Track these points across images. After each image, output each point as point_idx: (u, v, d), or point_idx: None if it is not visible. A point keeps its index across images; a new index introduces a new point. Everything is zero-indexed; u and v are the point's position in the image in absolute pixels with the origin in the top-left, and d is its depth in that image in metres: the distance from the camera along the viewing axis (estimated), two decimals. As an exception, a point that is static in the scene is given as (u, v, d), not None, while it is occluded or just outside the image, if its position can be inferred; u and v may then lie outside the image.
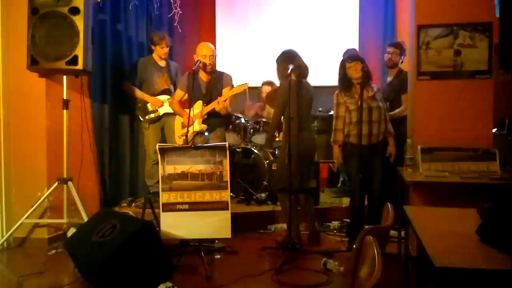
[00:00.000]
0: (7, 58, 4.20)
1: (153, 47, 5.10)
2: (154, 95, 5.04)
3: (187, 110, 4.32)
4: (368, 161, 3.96)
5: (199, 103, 4.35)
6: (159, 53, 5.06)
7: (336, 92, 4.13)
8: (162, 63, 5.13)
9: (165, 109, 5.05)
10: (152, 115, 5.04)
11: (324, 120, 5.86)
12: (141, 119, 5.09)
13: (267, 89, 5.93)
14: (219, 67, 4.62)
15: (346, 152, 4.06)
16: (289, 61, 4.06)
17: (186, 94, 4.48)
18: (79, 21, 3.87)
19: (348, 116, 4.01)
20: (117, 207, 4.97)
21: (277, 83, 4.41)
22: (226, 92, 4.30)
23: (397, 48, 4.89)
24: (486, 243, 1.72)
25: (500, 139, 3.88)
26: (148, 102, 5.03)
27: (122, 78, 5.13)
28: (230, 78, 4.44)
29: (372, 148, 3.97)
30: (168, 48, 5.09)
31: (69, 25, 3.87)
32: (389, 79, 5.03)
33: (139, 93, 5.03)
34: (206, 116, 4.36)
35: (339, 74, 4.11)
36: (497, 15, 3.25)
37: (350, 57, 4.15)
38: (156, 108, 5.03)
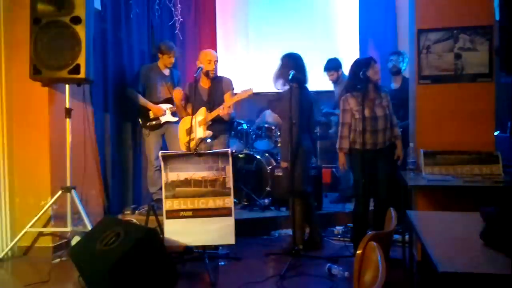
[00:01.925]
0: (10, 67, 4.22)
1: (159, 55, 5.12)
2: (157, 103, 5.05)
3: (188, 118, 4.32)
4: (373, 166, 3.93)
5: (203, 109, 4.35)
6: (166, 62, 5.09)
7: (343, 97, 4.06)
8: (166, 72, 5.15)
9: (167, 117, 5.06)
10: (153, 122, 5.04)
11: (325, 125, 5.89)
12: (142, 125, 5.10)
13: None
14: (219, 74, 4.63)
15: (352, 157, 4.04)
16: (290, 66, 4.06)
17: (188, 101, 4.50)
18: (80, 30, 3.89)
19: (354, 123, 3.97)
20: (121, 215, 4.97)
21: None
22: (228, 97, 4.30)
23: (399, 55, 5.05)
24: (490, 247, 1.72)
25: (503, 142, 3.88)
26: (149, 110, 5.04)
27: (126, 84, 5.15)
28: (231, 81, 4.45)
29: (378, 152, 3.94)
30: (175, 58, 5.11)
31: (71, 34, 3.89)
32: (395, 85, 5.11)
33: (142, 100, 5.04)
34: (210, 123, 4.36)
35: (355, 76, 3.93)
36: (497, 18, 3.26)
37: (372, 59, 4.09)
38: (158, 116, 5.04)
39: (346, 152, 4.03)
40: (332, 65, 5.40)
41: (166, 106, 5.05)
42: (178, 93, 4.45)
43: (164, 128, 5.09)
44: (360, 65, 3.96)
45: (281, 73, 4.16)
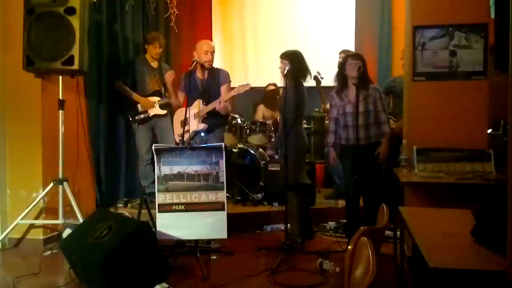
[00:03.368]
0: (3, 58, 4.18)
1: (146, 46, 5.10)
2: (145, 95, 5.01)
3: (183, 109, 4.30)
4: (360, 163, 3.94)
5: (198, 102, 4.33)
6: (151, 52, 5.05)
7: (331, 92, 4.17)
8: (155, 64, 5.11)
9: (155, 110, 5.02)
10: (142, 116, 5.01)
11: (319, 120, 5.89)
12: (131, 120, 5.07)
13: (271, 88, 6.00)
14: (217, 66, 4.62)
15: (340, 153, 4.10)
16: (287, 61, 4.07)
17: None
18: (75, 21, 3.86)
19: (340, 119, 4.05)
20: (113, 208, 4.96)
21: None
22: (225, 90, 4.28)
23: None
24: (480, 244, 1.73)
25: (495, 140, 3.89)
26: (138, 103, 5.00)
27: (115, 77, 5.11)
28: (227, 74, 4.42)
29: (364, 149, 3.93)
30: (161, 49, 5.07)
31: (65, 25, 3.86)
32: None
33: (130, 93, 5.00)
34: (205, 116, 4.34)
35: (337, 71, 4.09)
36: (493, 16, 3.27)
37: (354, 54, 4.14)
38: (146, 109, 5.01)
39: (332, 147, 4.10)
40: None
41: (154, 99, 5.02)
42: (170, 75, 4.46)
43: (153, 122, 5.06)
44: (342, 62, 4.09)
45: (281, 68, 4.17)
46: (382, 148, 3.98)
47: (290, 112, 4.01)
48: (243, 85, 4.14)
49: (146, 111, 5.00)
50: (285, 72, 3.92)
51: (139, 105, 5.00)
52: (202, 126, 4.33)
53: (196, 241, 3.80)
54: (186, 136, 4.22)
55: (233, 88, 4.34)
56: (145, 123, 5.04)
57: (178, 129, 4.57)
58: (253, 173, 5.31)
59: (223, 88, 4.32)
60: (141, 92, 5.01)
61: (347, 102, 3.96)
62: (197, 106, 4.33)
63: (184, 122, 3.99)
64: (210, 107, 4.26)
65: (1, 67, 4.19)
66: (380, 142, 4.00)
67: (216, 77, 4.37)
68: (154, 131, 5.11)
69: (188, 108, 4.15)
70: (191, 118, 4.35)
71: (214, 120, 4.39)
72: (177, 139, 4.55)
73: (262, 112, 6.07)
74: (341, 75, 4.02)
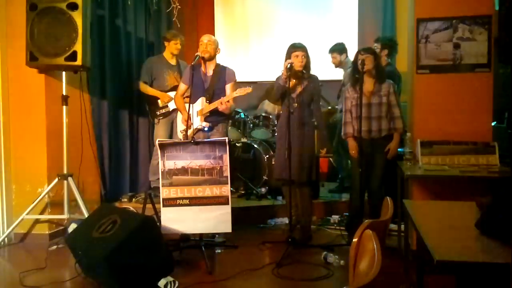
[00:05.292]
0: (6, 54, 4.19)
1: (166, 44, 5.12)
2: (165, 91, 5.07)
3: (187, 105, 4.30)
4: (368, 157, 3.94)
5: (202, 99, 4.33)
6: (172, 49, 5.09)
7: (347, 85, 4.19)
8: (173, 61, 5.16)
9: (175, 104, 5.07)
10: (163, 111, 5.08)
11: (325, 114, 5.86)
12: (152, 115, 5.15)
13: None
14: (224, 65, 4.59)
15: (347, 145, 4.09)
16: (288, 55, 4.06)
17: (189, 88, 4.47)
18: (77, 17, 3.86)
19: (353, 110, 4.03)
20: (118, 203, 4.97)
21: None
22: (229, 88, 4.27)
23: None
24: (485, 236, 1.73)
25: (500, 132, 3.89)
26: (158, 98, 5.06)
27: (134, 77, 5.17)
28: (234, 73, 4.39)
29: (373, 143, 3.93)
30: (181, 45, 5.11)
31: (67, 20, 3.86)
32: None
33: (150, 90, 5.06)
34: (208, 114, 4.33)
35: (354, 66, 4.05)
36: (497, 8, 3.26)
37: (365, 49, 4.12)
38: (166, 103, 5.05)
39: (351, 137, 4.02)
40: (337, 48, 5.40)
41: (173, 94, 5.05)
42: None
43: (173, 116, 5.09)
44: (355, 56, 4.04)
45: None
46: (393, 144, 3.94)
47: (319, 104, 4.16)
48: (245, 88, 4.13)
49: (167, 106, 5.07)
50: (288, 67, 3.93)
51: (159, 100, 5.06)
52: (205, 124, 4.33)
53: (201, 235, 3.81)
54: (189, 132, 4.21)
55: (238, 86, 4.33)
56: (166, 117, 5.10)
57: (180, 126, 4.58)
58: (256, 167, 5.32)
59: (228, 87, 4.30)
60: (161, 89, 5.07)
61: (363, 95, 3.89)
62: (201, 104, 4.32)
63: (187, 118, 3.99)
64: (212, 106, 4.23)
65: (5, 63, 4.19)
66: (391, 136, 3.95)
67: (222, 75, 4.34)
68: (173, 125, 5.15)
69: (192, 105, 4.15)
70: (194, 115, 4.34)
71: (218, 116, 4.38)
72: (180, 135, 4.56)
73: (266, 106, 6.05)
74: (355, 69, 3.98)
